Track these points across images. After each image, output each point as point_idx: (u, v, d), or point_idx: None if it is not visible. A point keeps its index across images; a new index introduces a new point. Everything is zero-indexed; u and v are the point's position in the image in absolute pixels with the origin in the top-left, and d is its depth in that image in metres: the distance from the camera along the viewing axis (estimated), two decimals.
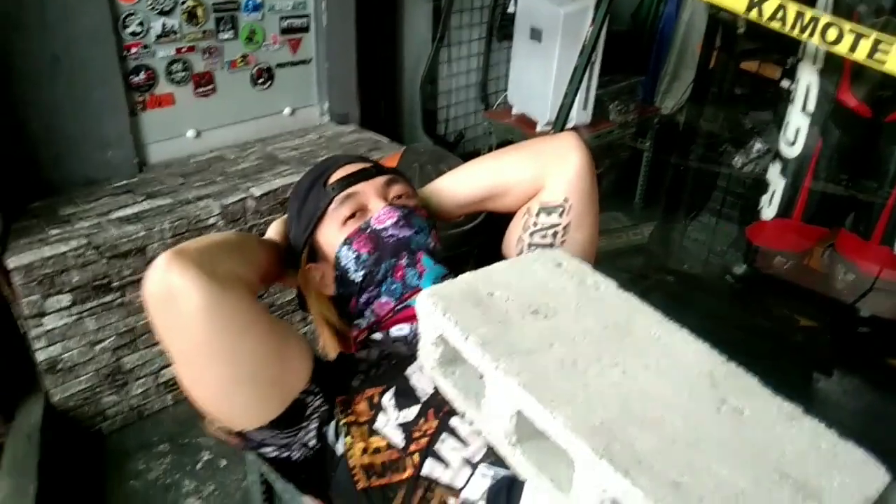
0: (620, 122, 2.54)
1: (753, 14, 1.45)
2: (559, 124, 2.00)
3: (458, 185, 1.00)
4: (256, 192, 1.73)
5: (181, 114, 1.84)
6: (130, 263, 1.54)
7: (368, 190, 0.92)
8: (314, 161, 1.88)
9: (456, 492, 0.69)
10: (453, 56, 2.59)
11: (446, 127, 2.71)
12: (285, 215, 1.01)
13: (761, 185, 1.81)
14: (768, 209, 1.76)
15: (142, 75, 1.71)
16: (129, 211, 1.60)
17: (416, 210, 0.93)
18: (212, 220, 1.65)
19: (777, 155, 1.76)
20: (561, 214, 0.92)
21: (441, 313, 0.70)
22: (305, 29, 2.02)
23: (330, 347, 1.00)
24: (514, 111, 2.56)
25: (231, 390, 0.74)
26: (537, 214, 0.93)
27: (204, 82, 1.85)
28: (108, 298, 1.54)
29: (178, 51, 1.77)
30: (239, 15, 1.85)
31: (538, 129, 2.42)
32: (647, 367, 0.65)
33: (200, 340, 0.70)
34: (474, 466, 0.70)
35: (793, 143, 1.69)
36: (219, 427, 0.78)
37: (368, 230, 0.89)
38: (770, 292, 1.97)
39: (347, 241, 0.89)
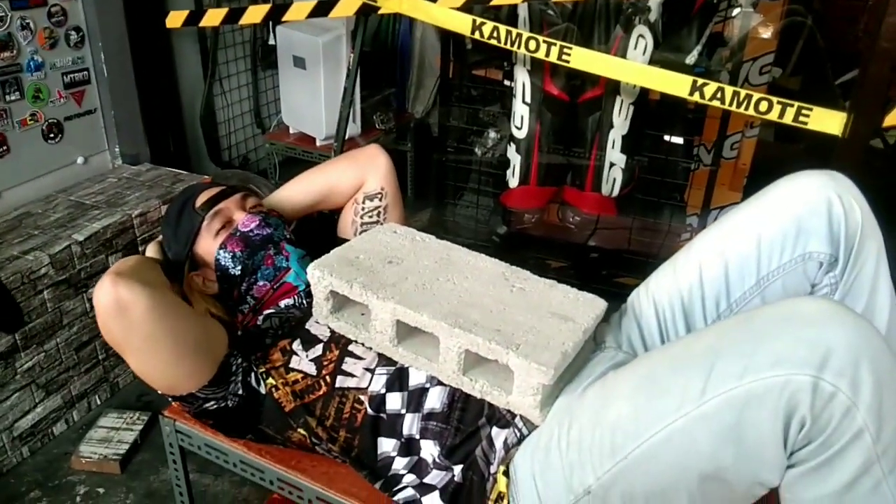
0: (384, 129, 2.95)
1: (476, 35, 1.92)
2: (339, 137, 2.36)
3: (296, 194, 1.33)
4: (79, 237, 1.84)
5: None
6: None
7: (231, 205, 1.22)
8: (123, 201, 2.05)
9: (364, 391, 1.03)
10: (225, 88, 2.82)
11: (230, 153, 2.93)
12: (158, 239, 1.26)
13: (505, 162, 2.33)
14: (513, 180, 2.27)
15: None
16: None
17: (271, 212, 1.24)
18: (43, 270, 1.74)
19: (511, 138, 2.28)
20: (381, 199, 1.29)
21: (329, 274, 1.03)
22: (87, 81, 2.14)
23: None
24: (292, 131, 2.86)
25: (177, 365, 1.00)
26: (363, 202, 1.29)
27: None
28: None
29: None
30: (22, 76, 1.93)
31: (318, 143, 2.75)
32: (466, 277, 1.04)
33: (150, 333, 0.95)
34: (372, 371, 1.04)
35: (520, 128, 2.22)
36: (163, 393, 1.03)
37: (238, 234, 1.18)
38: (527, 244, 2.52)
39: (223, 246, 1.18)
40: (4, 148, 1.93)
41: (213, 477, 1.75)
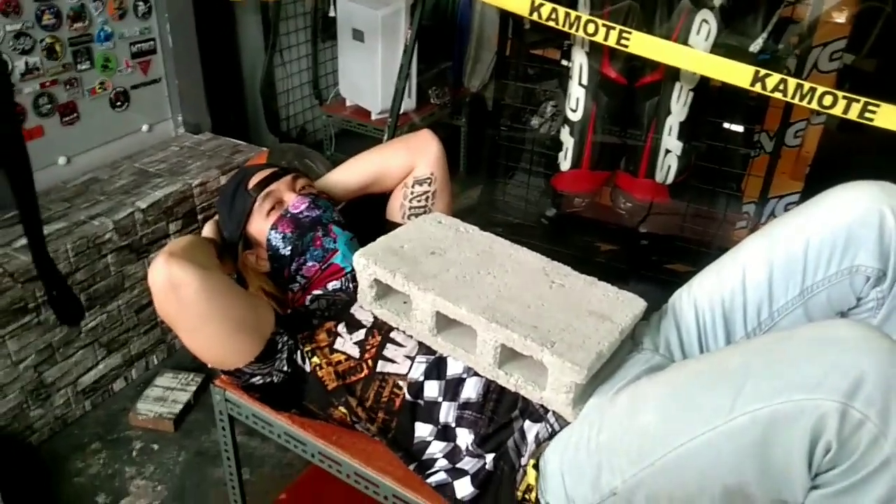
0: (440, 103, 2.96)
1: (535, 16, 1.90)
2: (394, 113, 2.37)
3: (348, 176, 1.35)
4: (142, 204, 1.93)
5: (51, 143, 1.97)
6: (42, 286, 1.70)
7: (281, 187, 1.25)
8: (184, 170, 2.12)
9: (403, 377, 1.06)
10: (285, 59, 2.87)
11: (288, 124, 2.98)
12: (215, 219, 1.31)
13: (558, 144, 2.31)
14: (565, 162, 2.25)
15: None
16: None
17: (321, 195, 1.27)
18: (107, 236, 1.83)
19: (565, 119, 2.25)
20: (430, 184, 1.31)
21: (373, 263, 1.06)
22: (153, 51, 2.20)
23: None
24: (348, 103, 2.89)
25: (227, 342, 1.05)
26: (412, 186, 1.31)
27: (68, 111, 1.99)
28: (25, 319, 1.69)
29: (43, 85, 1.90)
30: (93, 46, 2.01)
31: (373, 117, 2.77)
32: (507, 271, 1.06)
33: (201, 312, 1.00)
34: (412, 359, 1.07)
35: (575, 110, 2.19)
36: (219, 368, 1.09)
37: (288, 215, 1.22)
38: (576, 227, 2.50)
39: (274, 227, 1.22)
40: (75, 115, 2.02)
41: (260, 440, 1.83)
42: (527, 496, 0.92)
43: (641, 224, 2.42)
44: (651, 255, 2.47)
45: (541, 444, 0.94)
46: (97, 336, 1.88)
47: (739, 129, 2.25)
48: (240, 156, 2.24)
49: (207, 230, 1.28)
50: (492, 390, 1.01)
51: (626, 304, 1.01)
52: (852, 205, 0.91)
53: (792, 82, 1.57)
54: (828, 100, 1.55)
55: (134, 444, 1.84)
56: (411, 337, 1.08)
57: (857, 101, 1.53)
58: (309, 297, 1.20)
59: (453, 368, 1.04)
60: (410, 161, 1.32)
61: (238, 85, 2.74)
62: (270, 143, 2.75)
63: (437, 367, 1.05)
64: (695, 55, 1.75)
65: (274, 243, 1.22)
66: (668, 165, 2.14)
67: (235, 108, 2.71)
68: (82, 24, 1.96)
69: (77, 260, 1.77)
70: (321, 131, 3.08)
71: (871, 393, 0.64)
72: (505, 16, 2.51)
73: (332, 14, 2.85)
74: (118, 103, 2.14)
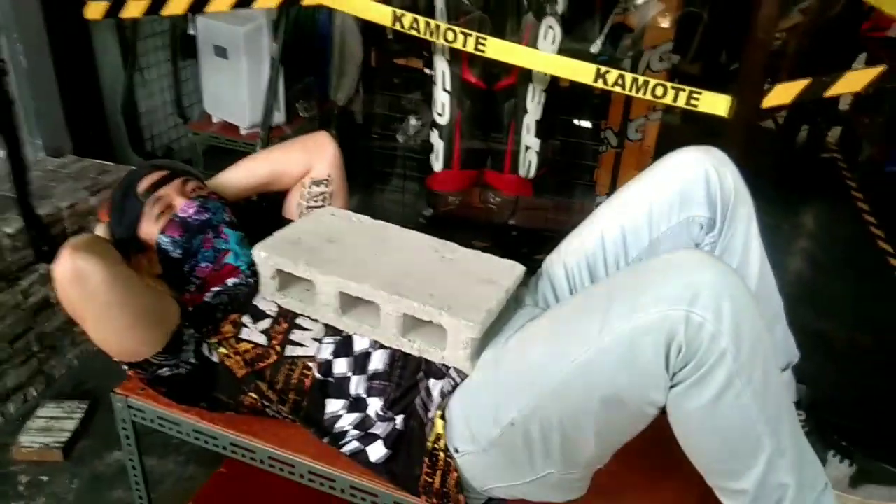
0: (308, 116, 3.01)
1: (397, 25, 2.03)
2: (266, 125, 2.42)
3: (242, 176, 1.40)
4: (9, 230, 1.85)
5: None
6: None
7: (171, 191, 1.28)
8: (50, 194, 2.05)
9: (312, 358, 1.13)
10: (146, 78, 2.82)
11: (153, 143, 2.92)
12: (106, 221, 1.31)
13: (428, 148, 2.45)
14: (437, 164, 2.40)
15: None
16: None
17: (210, 196, 1.31)
18: None
19: (434, 124, 2.40)
20: (327, 185, 1.39)
21: (275, 254, 1.13)
22: (5, 73, 2.11)
23: None
24: (215, 119, 2.89)
25: (132, 332, 1.07)
26: (310, 186, 1.38)
27: None
28: None
29: None
30: None
31: (242, 132, 2.79)
32: (401, 251, 1.16)
33: (106, 302, 1.02)
34: (320, 341, 1.14)
35: (441, 114, 2.34)
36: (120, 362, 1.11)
37: (177, 219, 1.25)
38: (452, 225, 2.65)
39: (163, 232, 1.25)
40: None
41: (157, 458, 1.81)
42: (436, 445, 1.03)
43: (511, 218, 2.61)
44: (521, 247, 2.66)
45: (445, 396, 1.05)
46: None
47: (588, 125, 2.50)
48: (108, 175, 2.19)
49: (100, 231, 1.28)
50: (397, 359, 1.10)
51: (508, 270, 1.14)
52: (682, 167, 1.10)
53: (629, 77, 1.80)
54: (659, 90, 1.79)
55: (20, 479, 1.76)
56: (317, 321, 1.15)
57: (684, 90, 1.78)
58: (208, 295, 1.24)
59: (360, 344, 1.13)
60: (308, 162, 1.39)
61: (98, 105, 2.66)
62: (136, 163, 2.69)
63: (344, 346, 1.13)
64: (544, 57, 1.95)
65: (164, 247, 1.24)
66: (529, 161, 2.34)
67: (97, 128, 2.63)
68: None
69: None
70: (188, 149, 3.04)
71: (706, 300, 0.81)
72: (367, 28, 2.63)
73: (191, 32, 2.84)
74: None
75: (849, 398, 1.90)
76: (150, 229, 1.25)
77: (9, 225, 1.86)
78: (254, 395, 1.14)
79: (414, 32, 2.00)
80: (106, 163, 2.30)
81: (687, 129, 3.72)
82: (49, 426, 1.84)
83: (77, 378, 2.07)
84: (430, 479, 1.04)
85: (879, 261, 2.90)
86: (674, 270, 0.84)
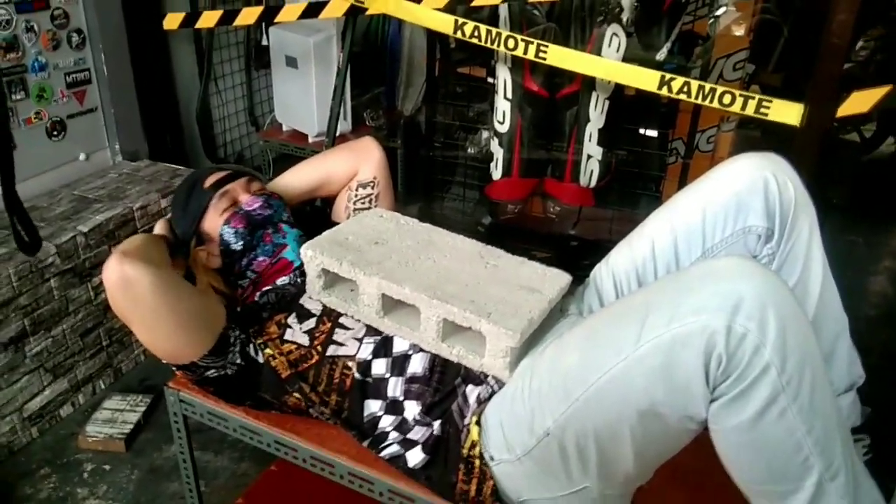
0: (375, 126, 3.06)
1: (458, 34, 2.03)
2: (330, 134, 2.46)
3: (296, 180, 1.44)
4: (83, 228, 1.95)
5: None
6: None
7: (236, 187, 1.33)
8: (124, 195, 2.15)
9: (352, 357, 1.14)
10: (220, 87, 2.93)
11: (225, 150, 3.03)
12: (167, 217, 1.37)
13: (489, 156, 2.43)
14: (496, 172, 2.38)
15: None
16: None
17: (273, 196, 1.35)
18: (50, 260, 1.85)
19: (494, 132, 2.39)
20: (373, 187, 1.40)
21: (321, 254, 1.14)
22: (89, 81, 2.24)
23: None
24: (285, 128, 2.97)
25: (180, 336, 1.10)
26: (356, 189, 1.40)
27: None
28: None
29: None
30: (27, 76, 2.03)
31: (310, 140, 2.85)
32: (446, 255, 1.15)
33: (154, 307, 1.05)
34: (360, 340, 1.15)
35: (502, 122, 2.32)
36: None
37: (242, 212, 1.29)
38: (510, 234, 2.63)
39: (227, 222, 1.28)
40: (11, 145, 2.02)
41: (213, 454, 1.86)
42: (472, 452, 1.01)
43: (573, 227, 2.57)
44: (581, 258, 2.61)
45: (482, 403, 1.03)
46: (42, 361, 1.87)
47: (654, 134, 2.43)
48: (179, 179, 2.28)
49: (159, 227, 1.33)
50: (436, 364, 1.09)
51: (554, 279, 1.12)
52: (740, 174, 1.04)
53: (694, 84, 1.74)
54: (727, 98, 1.72)
55: (85, 467, 1.84)
56: (359, 321, 1.16)
57: (753, 97, 1.70)
58: (258, 294, 1.26)
59: (399, 346, 1.12)
60: (354, 165, 1.41)
61: (174, 113, 2.78)
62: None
63: (384, 346, 1.13)
64: (607, 64, 1.90)
65: (226, 238, 1.28)
66: (591, 170, 2.29)
67: (172, 135, 2.75)
68: (15, 55, 1.99)
69: (20, 284, 1.77)
70: (259, 157, 3.13)
71: (749, 310, 0.76)
72: (432, 38, 2.64)
73: (264, 42, 2.93)
74: (55, 133, 2.16)
75: None
76: (215, 221, 1.29)
77: (84, 224, 1.95)
78: (297, 396, 1.15)
79: (475, 41, 1.99)
80: (178, 167, 2.40)
81: (766, 142, 3.58)
82: (114, 418, 1.92)
83: (143, 373, 2.16)
84: (465, 487, 1.02)
85: None
86: (716, 278, 0.80)
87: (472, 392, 1.05)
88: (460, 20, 1.97)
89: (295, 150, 2.91)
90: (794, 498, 0.82)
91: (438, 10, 2.00)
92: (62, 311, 1.91)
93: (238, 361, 1.15)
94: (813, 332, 0.81)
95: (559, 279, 1.12)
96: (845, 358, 1.08)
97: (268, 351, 1.16)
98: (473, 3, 2.04)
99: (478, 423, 1.01)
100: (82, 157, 2.29)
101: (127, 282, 1.02)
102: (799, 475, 0.81)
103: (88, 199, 2.13)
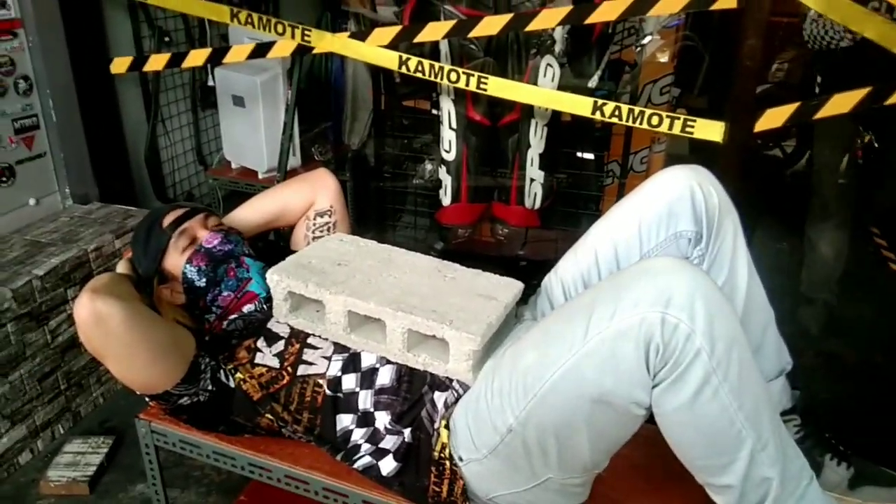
0: (323, 160, 3.13)
1: (403, 69, 2.14)
2: (282, 169, 2.53)
3: (253, 213, 1.49)
4: (39, 272, 1.94)
5: None
6: None
7: (194, 224, 1.37)
8: (78, 238, 2.15)
9: (323, 375, 1.19)
10: (168, 128, 2.96)
11: (175, 190, 3.05)
12: (128, 257, 1.40)
13: (437, 184, 2.53)
14: (445, 198, 2.48)
15: None
16: None
17: (231, 230, 1.40)
18: (6, 305, 1.84)
19: (442, 160, 2.49)
20: (330, 215, 1.47)
21: (287, 277, 1.20)
22: (37, 126, 2.25)
23: None
24: (234, 166, 3.01)
25: (153, 367, 1.14)
26: (314, 218, 1.46)
27: None
28: None
29: None
30: None
31: (260, 176, 2.90)
32: (405, 272, 1.23)
33: (128, 340, 1.09)
34: (329, 358, 1.20)
35: (448, 151, 2.43)
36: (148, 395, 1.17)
37: (202, 250, 1.33)
38: (462, 258, 2.71)
39: (189, 261, 1.32)
40: None
41: (179, 490, 1.86)
42: (442, 454, 1.07)
43: (521, 248, 2.68)
44: (531, 278, 2.71)
45: (449, 407, 1.10)
46: (0, 408, 1.85)
47: (591, 156, 2.57)
48: (132, 220, 2.30)
49: (122, 267, 1.36)
50: (403, 374, 1.16)
51: (507, 286, 1.21)
52: (669, 185, 1.16)
53: (625, 108, 1.88)
54: (655, 119, 1.86)
55: None
56: (327, 339, 1.22)
57: (678, 118, 1.85)
58: (226, 322, 1.31)
59: (367, 360, 1.19)
60: (310, 196, 1.48)
61: (123, 155, 2.80)
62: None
63: (352, 362, 1.19)
64: (543, 93, 2.04)
65: (189, 276, 1.32)
66: (535, 193, 2.42)
67: (122, 177, 2.76)
68: None
69: None
70: (208, 195, 3.16)
71: (680, 301, 0.86)
72: (377, 73, 2.75)
73: (210, 83, 2.98)
74: (3, 179, 2.16)
75: (850, 408, 1.91)
76: (176, 260, 1.33)
77: (38, 267, 1.96)
78: (270, 417, 1.20)
79: (419, 75, 2.10)
80: (130, 208, 2.41)
81: (694, 160, 3.79)
82: (76, 461, 1.90)
83: (103, 415, 2.14)
84: (437, 489, 1.09)
85: (892, 283, 2.91)
86: (650, 275, 0.90)
87: (440, 398, 1.12)
88: (404, 56, 2.08)
89: (245, 186, 2.95)
90: (731, 469, 0.92)
91: (383, 46, 2.10)
92: (19, 356, 1.90)
93: (210, 388, 1.19)
94: (738, 320, 0.92)
95: (512, 287, 1.21)
96: (774, 346, 1.20)
97: (238, 375, 1.20)
98: (416, 40, 2.15)
99: (447, 426, 1.08)
100: (32, 201, 2.29)
101: (99, 317, 1.05)
102: (734, 447, 0.90)
103: (41, 242, 2.13)
